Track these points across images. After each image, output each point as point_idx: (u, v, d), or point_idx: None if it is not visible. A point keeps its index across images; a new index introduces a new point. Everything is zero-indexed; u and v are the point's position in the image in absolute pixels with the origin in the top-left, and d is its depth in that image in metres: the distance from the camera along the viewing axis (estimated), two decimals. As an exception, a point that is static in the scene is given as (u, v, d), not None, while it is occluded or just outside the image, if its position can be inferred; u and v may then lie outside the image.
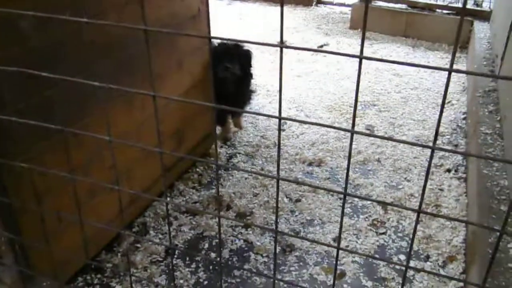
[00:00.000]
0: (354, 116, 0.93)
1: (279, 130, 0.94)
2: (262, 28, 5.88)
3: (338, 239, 1.19)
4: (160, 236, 2.56)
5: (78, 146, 2.06)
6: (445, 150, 0.82)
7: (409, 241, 2.53)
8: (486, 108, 3.17)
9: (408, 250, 2.49)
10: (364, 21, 0.80)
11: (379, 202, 1.41)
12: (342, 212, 1.06)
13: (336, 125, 3.66)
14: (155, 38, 2.43)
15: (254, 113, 1.23)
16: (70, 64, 1.90)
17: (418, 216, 0.99)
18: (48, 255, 1.84)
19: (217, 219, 2.67)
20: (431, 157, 0.89)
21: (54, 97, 1.87)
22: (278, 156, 1.06)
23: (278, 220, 2.69)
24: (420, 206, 0.95)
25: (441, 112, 0.82)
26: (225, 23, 5.89)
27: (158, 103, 2.56)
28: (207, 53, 2.97)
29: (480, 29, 4.76)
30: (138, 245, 2.47)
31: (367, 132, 3.54)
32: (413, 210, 0.94)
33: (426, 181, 0.93)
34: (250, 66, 3.37)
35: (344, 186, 1.06)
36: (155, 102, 1.03)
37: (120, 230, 2.45)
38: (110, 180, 2.32)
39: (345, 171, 2.98)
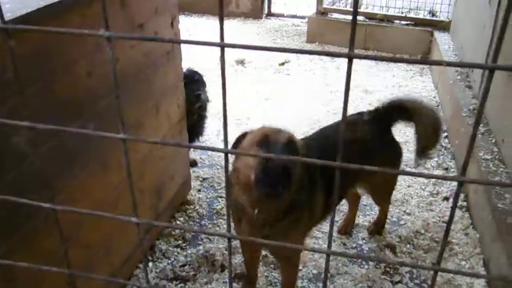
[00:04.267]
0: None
1: (226, 167, 0.67)
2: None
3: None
4: (150, 314, 2.16)
5: (49, 231, 1.64)
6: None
7: (429, 289, 2.31)
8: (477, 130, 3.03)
9: (429, 299, 2.26)
10: None
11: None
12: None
13: (318, 154, 3.39)
14: (130, 83, 2.04)
15: (199, 147, 0.92)
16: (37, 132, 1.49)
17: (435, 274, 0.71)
18: None
19: (212, 285, 2.31)
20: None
21: (24, 177, 1.46)
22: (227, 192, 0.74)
23: None
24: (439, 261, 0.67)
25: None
26: (175, 41, 5.49)
27: (136, 157, 2.18)
28: (182, 91, 2.61)
29: (443, 40, 4.71)
30: (125, 330, 2.07)
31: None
32: (430, 268, 0.67)
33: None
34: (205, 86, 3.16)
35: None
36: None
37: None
38: (86, 262, 1.91)
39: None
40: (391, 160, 2.39)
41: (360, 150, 2.03)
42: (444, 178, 0.59)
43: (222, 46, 0.53)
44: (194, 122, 3.04)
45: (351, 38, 0.51)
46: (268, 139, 1.71)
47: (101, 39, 1.73)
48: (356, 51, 5.30)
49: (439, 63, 0.50)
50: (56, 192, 1.67)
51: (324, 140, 2.19)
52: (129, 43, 2.02)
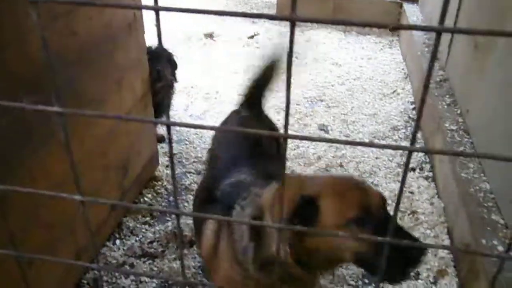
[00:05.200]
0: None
1: (170, 139, 0.65)
2: (185, 19, 5.40)
3: None
4: None
5: (10, 210, 1.59)
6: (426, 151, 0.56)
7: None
8: (443, 101, 3.07)
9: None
10: None
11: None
12: None
13: (289, 127, 3.38)
14: (90, 57, 1.97)
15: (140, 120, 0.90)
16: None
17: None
18: None
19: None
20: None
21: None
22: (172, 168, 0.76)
23: None
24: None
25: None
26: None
27: (99, 133, 2.12)
28: (146, 65, 2.54)
29: (411, 12, 4.71)
30: (93, 309, 2.05)
31: (322, 131, 3.32)
32: (381, 240, 0.68)
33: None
34: (176, 68, 3.09)
35: None
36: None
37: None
38: (50, 241, 1.86)
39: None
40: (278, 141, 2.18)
41: (265, 143, 1.93)
42: (395, 147, 0.57)
43: (157, 9, 0.49)
44: (159, 100, 2.98)
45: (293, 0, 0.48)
46: (368, 210, 1.24)
47: (57, 8, 1.63)
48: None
49: (383, 26, 0.48)
50: (14, 170, 1.61)
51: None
52: (87, 15, 1.94)
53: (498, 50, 2.45)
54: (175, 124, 0.60)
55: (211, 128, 0.61)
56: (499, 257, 0.63)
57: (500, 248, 2.00)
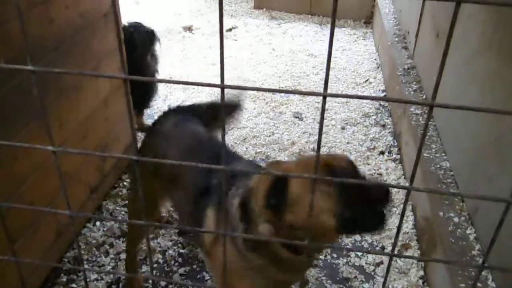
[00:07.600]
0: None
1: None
2: (163, 12, 5.48)
3: None
4: (97, 269, 2.25)
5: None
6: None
7: (363, 236, 2.50)
8: (410, 87, 3.21)
9: (361, 243, 2.45)
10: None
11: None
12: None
13: (262, 115, 3.51)
14: (67, 45, 2.06)
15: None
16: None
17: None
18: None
19: (159, 239, 2.41)
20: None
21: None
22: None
23: None
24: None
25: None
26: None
27: (79, 118, 2.21)
28: (124, 54, 2.63)
29: (384, 4, 4.85)
30: (73, 285, 2.14)
31: (296, 119, 3.46)
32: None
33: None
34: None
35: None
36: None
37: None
38: (31, 219, 1.96)
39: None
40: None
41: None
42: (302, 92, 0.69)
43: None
44: (147, 88, 3.14)
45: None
46: (332, 170, 1.30)
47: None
48: (302, 16, 5.42)
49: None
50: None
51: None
52: (64, 3, 2.03)
53: (455, 37, 2.59)
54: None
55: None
56: (405, 188, 0.76)
57: (456, 220, 2.15)
